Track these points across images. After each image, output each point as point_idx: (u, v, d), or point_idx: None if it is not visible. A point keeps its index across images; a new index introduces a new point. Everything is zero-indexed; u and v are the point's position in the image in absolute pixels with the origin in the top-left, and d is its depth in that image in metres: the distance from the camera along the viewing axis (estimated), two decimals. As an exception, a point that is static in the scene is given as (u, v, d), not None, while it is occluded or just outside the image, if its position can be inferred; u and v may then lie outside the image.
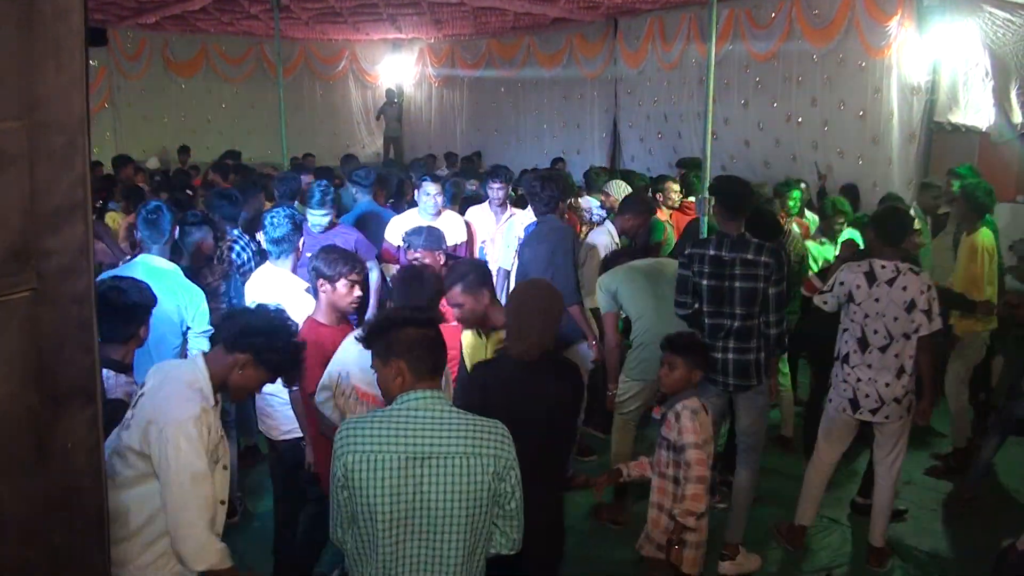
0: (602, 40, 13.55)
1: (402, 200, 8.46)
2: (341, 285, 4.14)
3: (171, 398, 2.90)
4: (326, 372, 3.97)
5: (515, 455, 2.74)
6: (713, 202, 4.98)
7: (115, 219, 7.91)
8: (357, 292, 4.25)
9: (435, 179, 6.82)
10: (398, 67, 18.25)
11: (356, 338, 3.03)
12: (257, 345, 3.07)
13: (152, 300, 3.67)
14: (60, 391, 1.69)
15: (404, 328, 2.76)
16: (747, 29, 10.83)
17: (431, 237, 5.17)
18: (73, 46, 1.70)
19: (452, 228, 6.62)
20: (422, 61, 17.94)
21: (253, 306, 3.38)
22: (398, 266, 6.13)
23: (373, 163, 14.67)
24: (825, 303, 4.90)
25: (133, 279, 3.79)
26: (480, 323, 4.13)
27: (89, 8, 1.78)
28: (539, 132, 15.42)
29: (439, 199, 6.60)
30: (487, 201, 7.31)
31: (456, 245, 6.62)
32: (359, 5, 12.85)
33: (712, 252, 4.66)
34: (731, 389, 4.74)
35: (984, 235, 5.92)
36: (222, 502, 3.06)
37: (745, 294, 4.60)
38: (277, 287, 4.73)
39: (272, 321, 3.21)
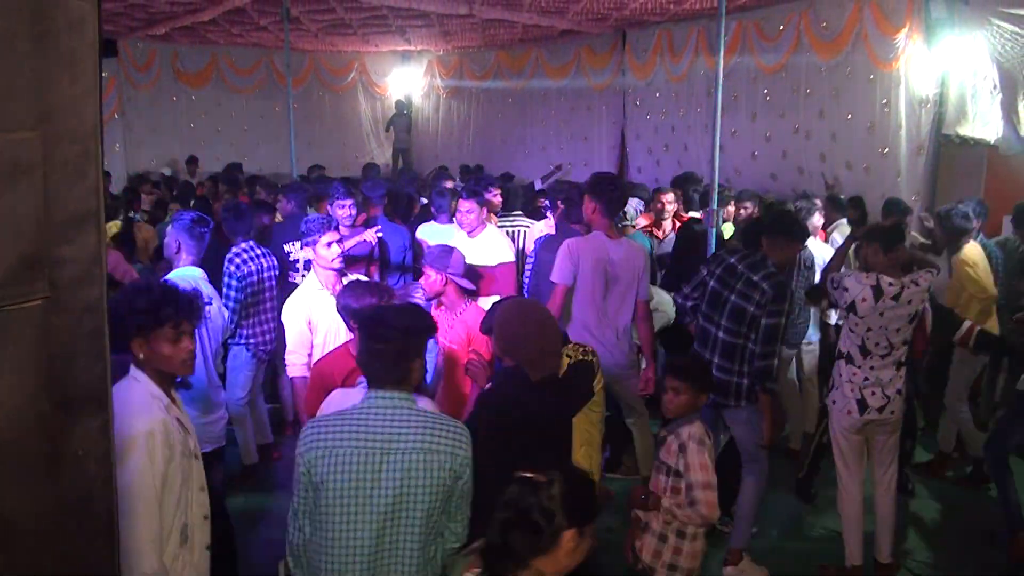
0: (610, 52, 13.58)
1: (409, 215, 8.42)
2: None
3: (118, 417, 2.71)
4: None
5: (471, 454, 2.86)
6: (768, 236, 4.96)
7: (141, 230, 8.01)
8: None
9: (472, 194, 6.41)
10: (407, 78, 18.32)
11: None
12: (138, 317, 2.87)
13: None
14: (71, 399, 1.70)
15: (370, 343, 2.85)
16: (755, 42, 10.84)
17: (440, 256, 4.98)
18: (87, 57, 1.71)
19: (490, 247, 6.26)
20: (431, 73, 17.99)
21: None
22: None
23: (383, 174, 14.71)
24: (832, 311, 4.87)
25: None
26: None
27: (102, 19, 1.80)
28: (546, 143, 15.43)
29: (471, 216, 6.27)
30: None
31: (498, 265, 6.17)
32: (368, 17, 12.90)
33: (731, 260, 4.78)
34: (710, 402, 4.70)
35: (968, 251, 6.11)
36: (205, 517, 3.00)
37: (734, 309, 4.68)
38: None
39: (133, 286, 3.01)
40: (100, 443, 1.77)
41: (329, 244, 4.83)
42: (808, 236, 5.23)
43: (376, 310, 3.02)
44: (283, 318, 4.94)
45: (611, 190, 5.23)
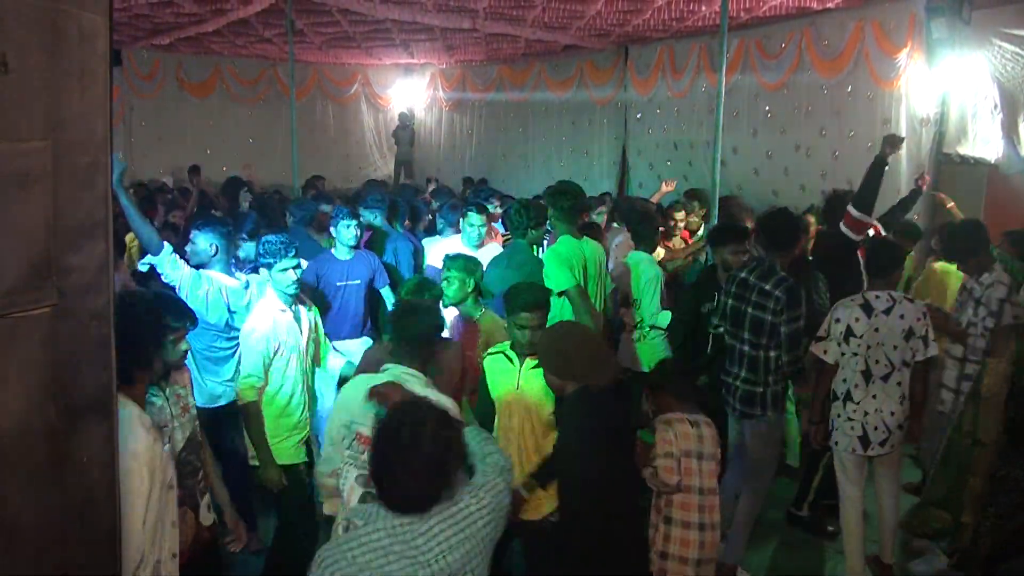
0: (612, 68, 13.63)
1: (417, 225, 8.42)
2: None
3: None
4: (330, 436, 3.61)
5: (495, 498, 2.56)
6: (758, 233, 5.09)
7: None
8: None
9: (481, 209, 6.55)
10: (410, 91, 18.37)
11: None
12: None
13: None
14: (77, 406, 1.72)
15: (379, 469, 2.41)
16: (757, 59, 10.88)
17: (469, 262, 5.08)
18: (97, 70, 1.74)
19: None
20: (433, 85, 18.05)
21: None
22: None
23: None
24: (825, 352, 4.83)
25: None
26: None
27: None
28: (548, 157, 15.46)
29: (483, 230, 6.45)
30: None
31: None
32: (372, 30, 12.95)
33: (743, 275, 4.85)
34: (738, 414, 4.86)
35: (940, 265, 6.40)
36: (173, 555, 2.87)
37: (754, 322, 4.72)
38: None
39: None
40: (104, 449, 1.79)
41: (285, 270, 4.66)
42: (801, 237, 5.43)
43: (399, 413, 2.46)
44: (242, 338, 4.72)
45: (567, 199, 5.63)
